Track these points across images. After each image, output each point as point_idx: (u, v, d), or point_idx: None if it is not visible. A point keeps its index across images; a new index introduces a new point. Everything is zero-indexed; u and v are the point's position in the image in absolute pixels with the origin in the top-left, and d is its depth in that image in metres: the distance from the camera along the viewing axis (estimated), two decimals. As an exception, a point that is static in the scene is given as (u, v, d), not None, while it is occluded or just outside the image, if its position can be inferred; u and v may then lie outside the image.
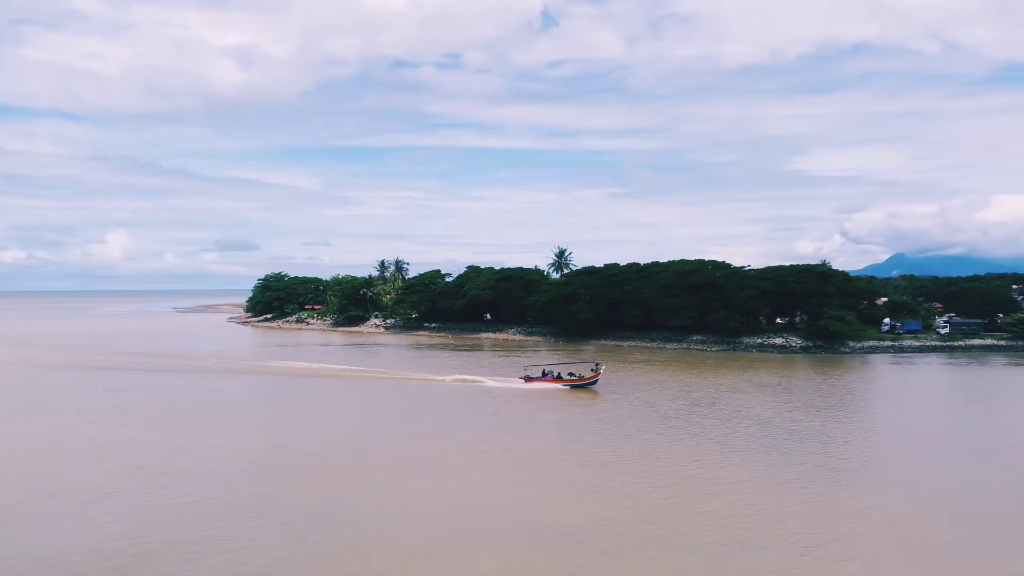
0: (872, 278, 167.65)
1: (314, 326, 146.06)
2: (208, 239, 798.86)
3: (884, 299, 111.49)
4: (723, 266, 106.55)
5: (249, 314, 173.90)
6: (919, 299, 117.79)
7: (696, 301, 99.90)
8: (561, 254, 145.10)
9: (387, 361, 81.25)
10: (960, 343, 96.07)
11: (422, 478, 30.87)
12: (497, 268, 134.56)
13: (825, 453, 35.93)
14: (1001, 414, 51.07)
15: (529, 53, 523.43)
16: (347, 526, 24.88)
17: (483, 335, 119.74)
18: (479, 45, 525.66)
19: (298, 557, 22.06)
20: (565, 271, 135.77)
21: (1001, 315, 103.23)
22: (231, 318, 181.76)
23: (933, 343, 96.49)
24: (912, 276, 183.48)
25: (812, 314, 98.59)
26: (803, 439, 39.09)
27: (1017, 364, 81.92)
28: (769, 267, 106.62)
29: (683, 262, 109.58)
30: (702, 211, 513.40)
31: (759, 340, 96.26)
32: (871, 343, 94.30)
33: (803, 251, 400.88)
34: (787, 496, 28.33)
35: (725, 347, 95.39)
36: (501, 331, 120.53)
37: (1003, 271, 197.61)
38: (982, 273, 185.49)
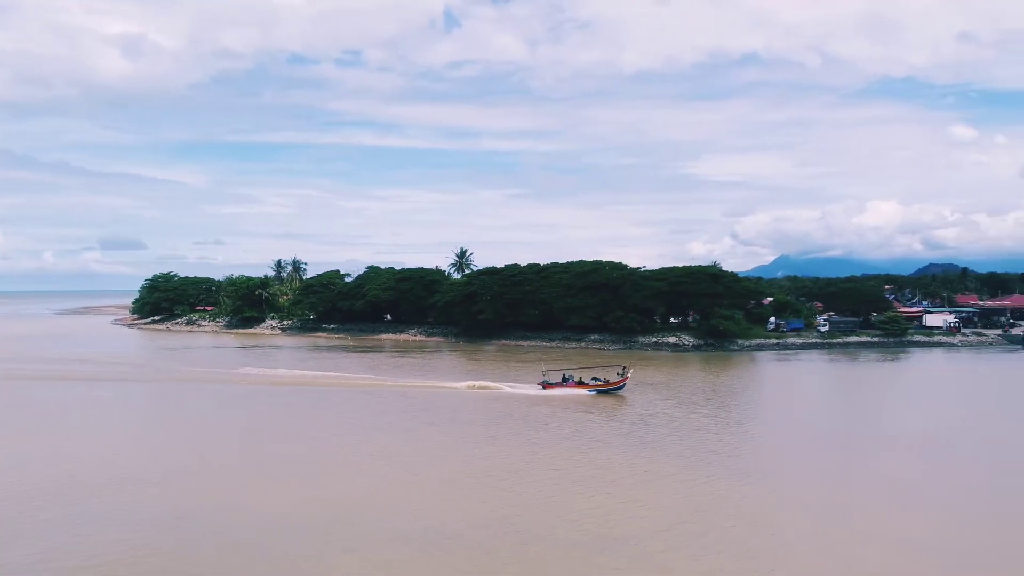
0: (759, 279, 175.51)
1: (206, 328, 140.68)
2: (90, 237, 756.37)
3: (770, 299, 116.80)
4: (620, 267, 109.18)
5: (135, 316, 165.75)
6: (802, 299, 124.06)
7: (594, 301, 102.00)
8: (462, 254, 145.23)
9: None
10: (838, 340, 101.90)
11: (305, 481, 30.14)
12: (398, 268, 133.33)
13: (701, 448, 36.93)
14: (870, 406, 54.40)
15: (431, 53, 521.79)
16: (214, 535, 23.88)
17: (383, 336, 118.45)
18: (380, 43, 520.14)
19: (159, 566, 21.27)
20: (466, 272, 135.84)
21: (875, 313, 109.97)
22: (116, 320, 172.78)
23: (814, 340, 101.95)
24: (795, 277, 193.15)
25: (704, 313, 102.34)
26: (682, 434, 40.17)
27: (887, 359, 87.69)
28: (663, 268, 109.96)
29: (581, 263, 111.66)
30: (600, 213, 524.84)
31: (654, 339, 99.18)
32: (758, 341, 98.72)
33: (696, 253, 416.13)
34: (662, 490, 29.00)
35: (622, 346, 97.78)
36: (402, 332, 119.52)
37: (877, 272, 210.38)
38: (858, 274, 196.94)
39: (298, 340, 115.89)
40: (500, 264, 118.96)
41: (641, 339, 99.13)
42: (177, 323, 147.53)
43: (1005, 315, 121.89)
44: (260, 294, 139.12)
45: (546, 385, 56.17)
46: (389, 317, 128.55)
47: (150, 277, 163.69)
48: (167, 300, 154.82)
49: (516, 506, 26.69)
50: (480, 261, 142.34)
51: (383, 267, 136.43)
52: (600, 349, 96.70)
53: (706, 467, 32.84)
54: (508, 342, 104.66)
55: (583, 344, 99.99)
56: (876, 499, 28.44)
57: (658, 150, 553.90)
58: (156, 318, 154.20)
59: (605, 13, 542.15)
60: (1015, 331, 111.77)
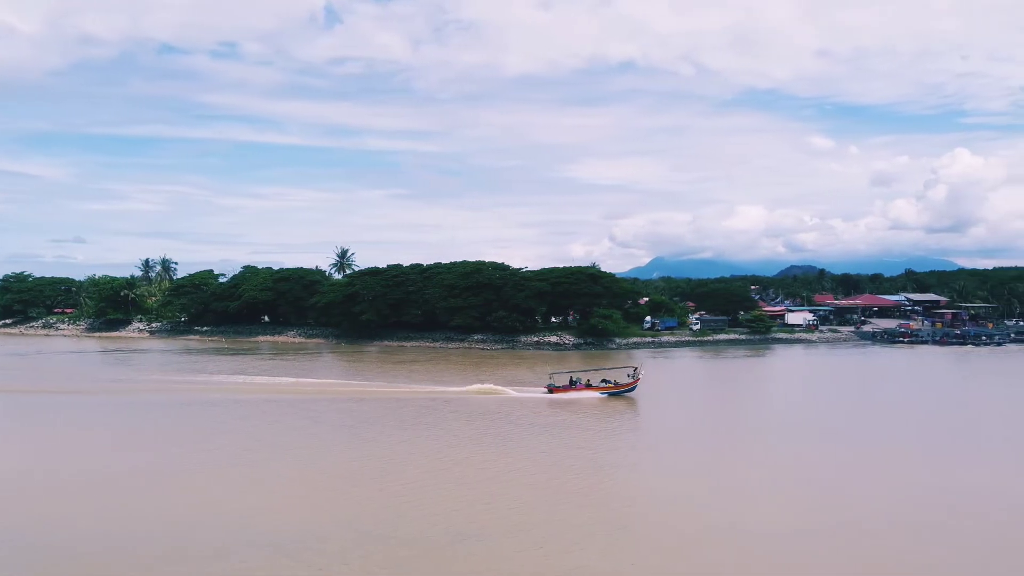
0: (636, 279, 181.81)
1: (65, 331, 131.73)
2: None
3: (646, 299, 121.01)
4: (502, 267, 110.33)
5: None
6: (675, 298, 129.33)
7: (477, 301, 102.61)
8: (343, 254, 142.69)
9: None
10: (709, 338, 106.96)
11: (148, 494, 28.24)
12: (276, 268, 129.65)
13: (570, 444, 37.17)
14: (739, 399, 57.39)
15: (311, 48, 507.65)
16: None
17: (260, 338, 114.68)
18: (257, 36, 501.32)
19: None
20: (347, 272, 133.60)
21: (742, 312, 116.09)
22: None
23: (687, 338, 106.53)
24: (670, 278, 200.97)
25: (584, 313, 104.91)
26: (542, 432, 40.10)
27: (752, 355, 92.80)
28: (545, 268, 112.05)
29: (465, 263, 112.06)
30: (483, 214, 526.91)
31: (535, 338, 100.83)
32: (635, 339, 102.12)
33: (576, 254, 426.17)
34: (514, 489, 28.69)
35: (505, 345, 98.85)
36: (280, 333, 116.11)
37: (744, 274, 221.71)
38: (727, 275, 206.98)
39: (168, 343, 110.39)
40: (382, 264, 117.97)
41: (523, 338, 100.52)
42: (32, 327, 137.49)
43: (857, 313, 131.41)
44: (126, 295, 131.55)
45: (553, 389, 53.78)
46: (267, 319, 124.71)
47: (0, 278, 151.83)
48: (20, 302, 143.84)
49: (370, 507, 25.99)
50: (362, 261, 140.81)
51: (260, 267, 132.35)
52: (483, 349, 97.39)
53: (571, 462, 33.05)
54: (391, 343, 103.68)
55: (466, 344, 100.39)
56: (743, 490, 29.47)
57: (540, 153, 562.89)
58: (8, 321, 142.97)
59: (488, 16, 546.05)
60: (866, 328, 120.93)
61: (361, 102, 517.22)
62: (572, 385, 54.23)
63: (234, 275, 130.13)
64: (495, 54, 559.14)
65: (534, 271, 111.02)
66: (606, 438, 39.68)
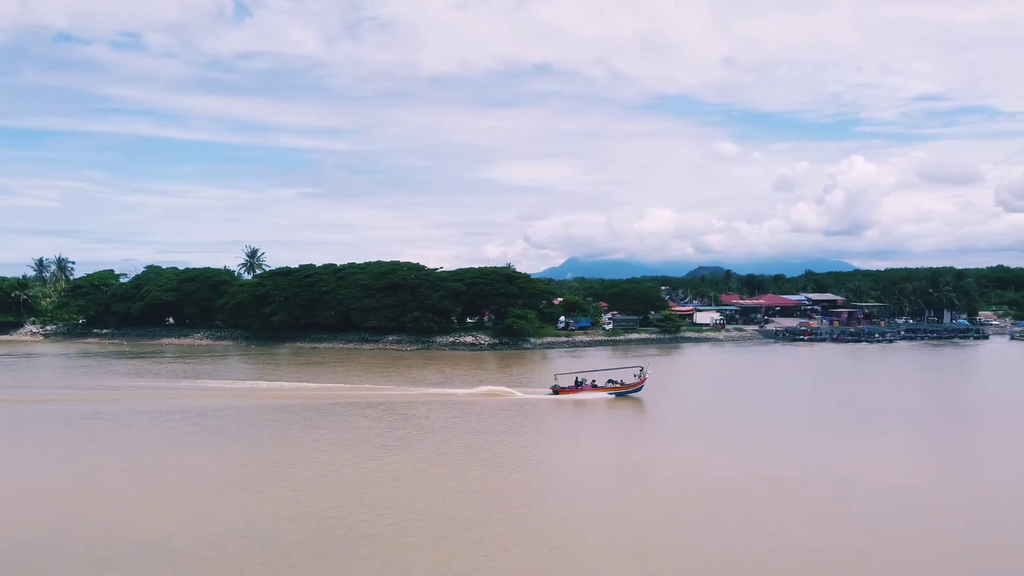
0: (550, 280, 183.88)
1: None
2: None
3: (560, 299, 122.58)
4: (418, 268, 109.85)
5: None
6: (589, 298, 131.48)
7: (392, 302, 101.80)
8: (253, 254, 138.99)
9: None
10: (621, 337, 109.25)
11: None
12: (182, 268, 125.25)
13: (467, 444, 36.67)
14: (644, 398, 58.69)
15: (219, 42, 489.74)
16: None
17: (165, 340, 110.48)
18: (162, 27, 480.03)
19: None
20: (258, 272, 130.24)
21: (653, 312, 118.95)
22: None
23: (600, 338, 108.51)
24: (583, 278, 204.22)
25: (499, 313, 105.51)
26: (431, 432, 39.72)
27: (662, 353, 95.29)
28: (460, 269, 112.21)
29: (379, 263, 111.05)
30: (398, 214, 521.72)
31: (451, 339, 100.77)
32: (549, 339, 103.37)
33: (491, 254, 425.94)
34: (412, 490, 28.20)
35: (420, 346, 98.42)
36: (186, 336, 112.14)
37: (655, 274, 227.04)
38: (639, 276, 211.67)
39: (64, 346, 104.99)
40: (294, 264, 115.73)
41: (439, 339, 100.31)
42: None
43: (761, 312, 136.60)
44: (17, 296, 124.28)
45: (559, 390, 52.76)
46: (171, 320, 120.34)
47: None
48: None
49: (262, 513, 25.33)
50: (273, 261, 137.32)
51: (165, 267, 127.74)
52: (398, 350, 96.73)
53: (470, 462, 32.76)
54: (303, 344, 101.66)
55: (381, 345, 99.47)
56: (631, 484, 30.23)
57: (456, 153, 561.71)
58: None
59: (404, 14, 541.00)
60: (769, 327, 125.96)
61: (272, 98, 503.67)
62: (578, 386, 53.50)
63: (136, 275, 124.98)
64: (411, 53, 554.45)
65: (450, 271, 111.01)
66: (512, 437, 39.77)
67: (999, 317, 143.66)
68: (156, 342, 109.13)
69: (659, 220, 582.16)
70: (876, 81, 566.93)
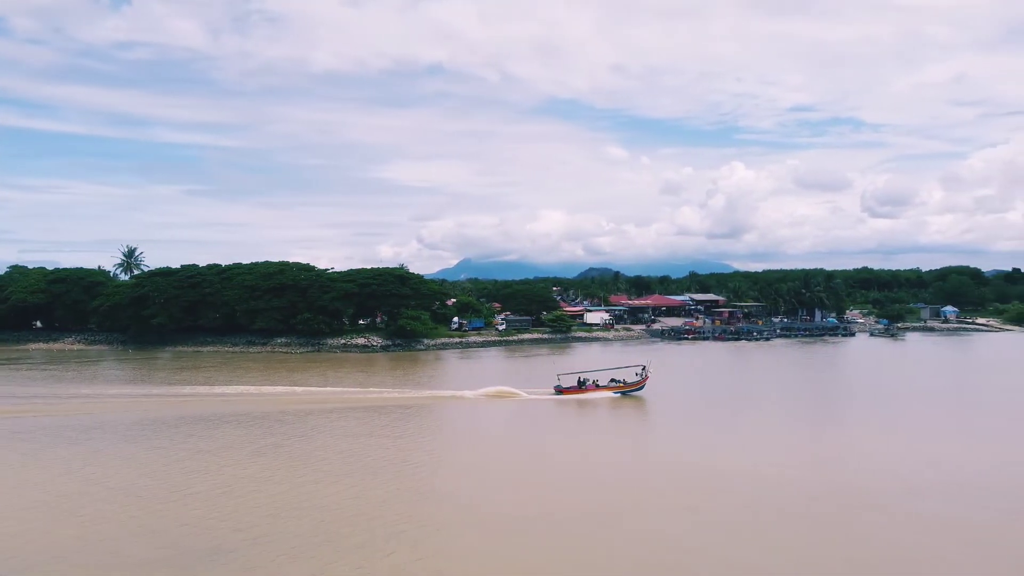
0: (444, 281, 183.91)
1: None
2: None
3: (454, 300, 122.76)
4: (308, 268, 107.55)
5: None
6: (482, 299, 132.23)
7: (281, 303, 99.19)
8: (131, 254, 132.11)
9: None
10: (514, 337, 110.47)
11: None
12: (51, 268, 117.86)
13: (332, 451, 35.84)
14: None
15: (94, 30, 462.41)
16: None
17: (32, 345, 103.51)
18: (30, 11, 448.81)
19: None
20: (136, 272, 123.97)
21: (545, 312, 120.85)
22: None
23: (493, 338, 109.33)
24: (477, 279, 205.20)
25: (392, 314, 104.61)
26: (306, 438, 39.07)
27: (554, 353, 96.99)
28: (352, 270, 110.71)
29: (267, 264, 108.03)
30: (288, 213, 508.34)
31: (342, 340, 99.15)
32: (443, 340, 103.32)
33: (384, 255, 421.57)
34: (266, 498, 27.72)
35: (310, 348, 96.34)
36: (56, 340, 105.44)
37: (546, 275, 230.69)
38: (531, 277, 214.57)
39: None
40: (176, 265, 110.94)
41: (330, 341, 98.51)
42: None
43: (648, 312, 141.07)
44: None
45: (562, 390, 53.20)
46: (39, 324, 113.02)
47: None
48: None
49: (112, 527, 24.48)
50: (154, 261, 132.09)
51: (31, 267, 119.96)
52: (287, 352, 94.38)
53: (331, 468, 32.25)
54: (185, 348, 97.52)
55: (269, 348, 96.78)
56: (514, 485, 30.38)
57: (348, 152, 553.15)
58: None
59: (293, 9, 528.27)
60: (655, 326, 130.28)
61: (153, 91, 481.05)
62: (581, 386, 53.85)
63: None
64: (301, 49, 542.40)
65: (341, 272, 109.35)
66: (393, 441, 39.45)
67: (864, 315, 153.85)
68: (21, 347, 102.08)
69: (551, 222, 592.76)
70: (754, 91, 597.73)
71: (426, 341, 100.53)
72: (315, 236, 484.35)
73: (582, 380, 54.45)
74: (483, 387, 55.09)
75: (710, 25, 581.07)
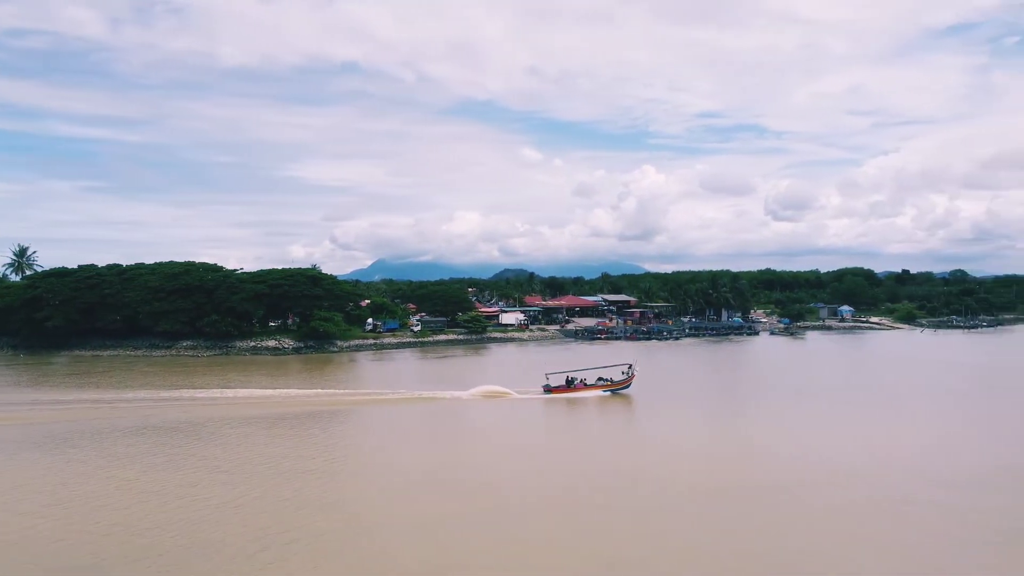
0: (358, 282, 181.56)
1: None
2: None
3: (368, 301, 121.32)
4: (215, 268, 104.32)
5: None
6: (397, 300, 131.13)
7: (187, 305, 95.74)
8: (22, 253, 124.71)
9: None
10: (430, 338, 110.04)
11: None
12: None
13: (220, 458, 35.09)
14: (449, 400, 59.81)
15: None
16: None
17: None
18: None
19: None
20: (28, 273, 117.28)
21: (460, 313, 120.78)
22: None
23: (408, 339, 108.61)
24: (391, 280, 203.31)
25: (304, 316, 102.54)
26: (196, 445, 37.97)
27: (469, 354, 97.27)
28: (263, 270, 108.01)
29: (172, 264, 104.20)
30: (194, 212, 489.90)
31: (252, 343, 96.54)
32: (357, 341, 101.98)
33: (296, 255, 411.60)
34: (151, 511, 26.71)
35: (218, 351, 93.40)
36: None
37: (462, 276, 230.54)
38: (447, 278, 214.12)
39: None
40: (73, 265, 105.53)
41: (239, 343, 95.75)
42: None
43: (562, 313, 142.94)
44: None
45: (552, 389, 53.49)
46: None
47: None
48: None
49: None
50: (48, 261, 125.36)
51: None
52: (193, 356, 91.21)
53: (219, 477, 31.51)
54: (83, 352, 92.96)
55: (174, 351, 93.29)
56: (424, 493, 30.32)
57: (258, 150, 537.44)
58: None
59: (200, 2, 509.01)
60: (569, 326, 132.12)
61: (47, 82, 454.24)
62: (569, 385, 54.24)
63: None
64: (208, 42, 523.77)
65: (251, 272, 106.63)
66: (290, 448, 38.81)
67: (767, 315, 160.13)
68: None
69: (466, 223, 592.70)
70: (664, 97, 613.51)
71: (339, 343, 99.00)
72: (223, 236, 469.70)
73: (570, 379, 54.97)
74: (398, 389, 54.73)
75: (622, 31, 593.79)
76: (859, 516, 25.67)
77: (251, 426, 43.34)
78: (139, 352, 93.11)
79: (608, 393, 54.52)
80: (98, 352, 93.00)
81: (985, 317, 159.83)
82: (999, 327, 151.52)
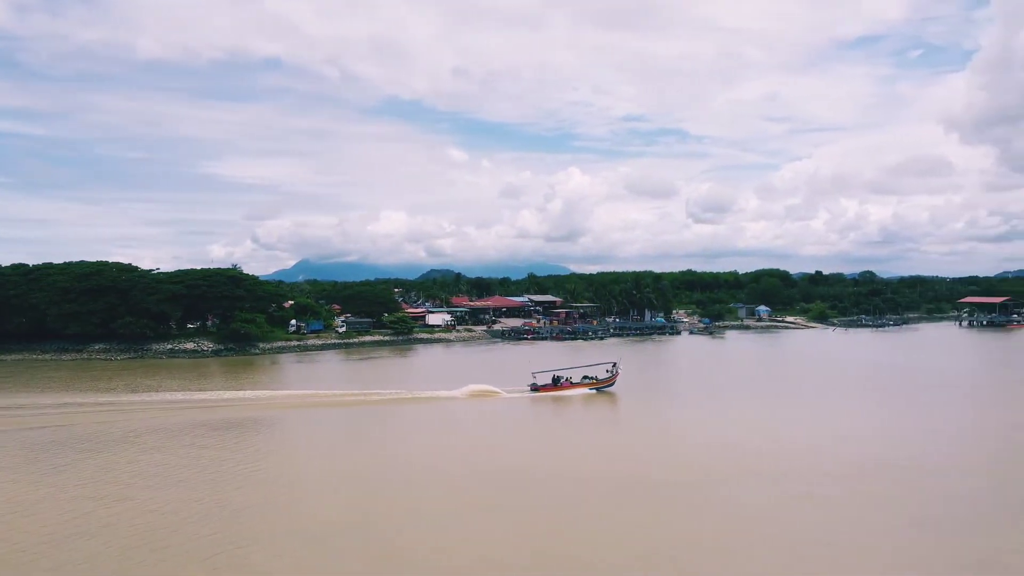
0: (281, 282, 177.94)
1: None
2: None
3: (291, 302, 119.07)
4: (129, 269, 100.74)
5: None
6: (321, 301, 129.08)
7: (99, 307, 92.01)
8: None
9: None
10: (355, 340, 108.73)
11: None
12: None
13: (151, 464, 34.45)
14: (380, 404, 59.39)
15: None
16: None
17: None
18: None
19: None
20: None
21: (386, 314, 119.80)
22: None
23: (333, 341, 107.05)
24: (316, 281, 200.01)
25: (224, 317, 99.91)
26: (99, 453, 36.89)
27: (397, 355, 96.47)
28: (180, 271, 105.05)
29: (82, 264, 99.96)
30: (106, 210, 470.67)
31: (169, 345, 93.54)
32: (280, 343, 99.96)
33: (216, 255, 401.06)
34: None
35: (133, 355, 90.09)
36: None
37: (388, 277, 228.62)
38: (372, 278, 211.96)
39: None
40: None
41: (155, 346, 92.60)
42: None
43: (489, 313, 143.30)
44: None
45: (540, 388, 54.52)
46: None
47: None
48: None
49: None
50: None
51: None
52: (106, 359, 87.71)
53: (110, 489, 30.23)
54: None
55: (84, 355, 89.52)
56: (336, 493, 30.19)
57: (175, 146, 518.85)
58: None
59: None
60: (496, 327, 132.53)
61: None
62: (555, 383, 55.22)
63: None
64: (122, 34, 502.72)
65: (168, 273, 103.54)
66: (205, 452, 38.27)
67: (688, 315, 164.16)
68: None
69: (392, 223, 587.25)
70: (588, 100, 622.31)
71: (262, 345, 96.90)
72: (138, 234, 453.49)
73: (557, 378, 55.99)
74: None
75: (548, 34, 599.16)
76: (757, 508, 26.85)
77: (160, 434, 42.02)
78: (47, 356, 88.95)
79: (594, 391, 55.76)
80: (1, 356, 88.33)
81: (891, 316, 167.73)
82: (904, 326, 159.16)
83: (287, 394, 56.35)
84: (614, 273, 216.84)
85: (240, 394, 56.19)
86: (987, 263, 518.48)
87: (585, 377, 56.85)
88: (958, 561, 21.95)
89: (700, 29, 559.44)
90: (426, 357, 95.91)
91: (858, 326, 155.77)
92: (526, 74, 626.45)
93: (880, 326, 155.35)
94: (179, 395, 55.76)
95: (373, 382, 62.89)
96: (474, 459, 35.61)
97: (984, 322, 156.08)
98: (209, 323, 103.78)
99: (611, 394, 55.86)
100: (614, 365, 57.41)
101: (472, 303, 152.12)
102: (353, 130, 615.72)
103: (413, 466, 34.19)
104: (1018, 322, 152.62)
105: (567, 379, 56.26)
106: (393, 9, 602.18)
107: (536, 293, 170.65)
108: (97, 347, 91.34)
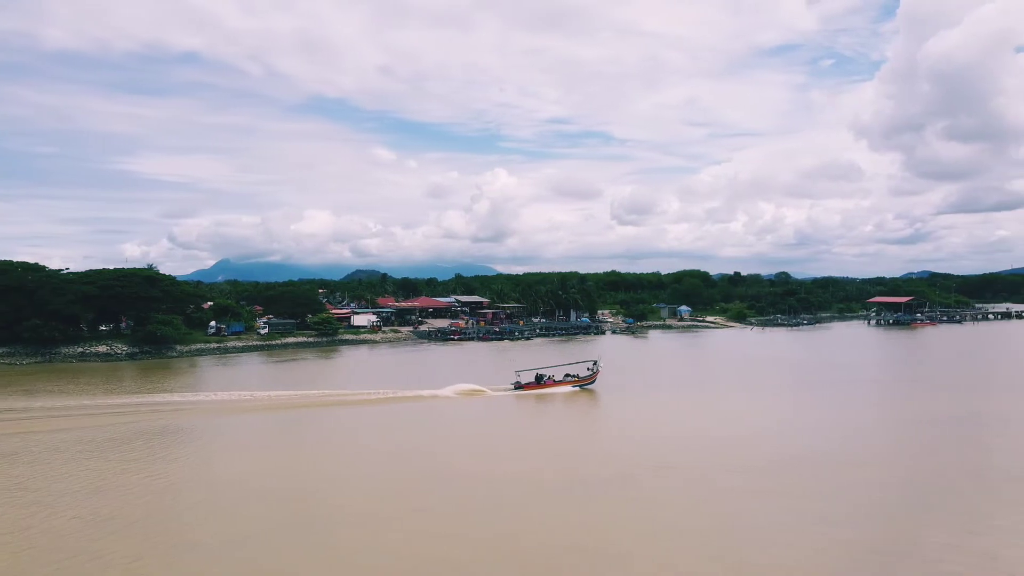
0: (199, 283, 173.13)
1: None
2: None
3: (211, 303, 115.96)
4: (36, 268, 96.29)
5: None
6: (242, 302, 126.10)
7: (2, 308, 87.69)
8: None
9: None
10: (278, 341, 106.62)
11: None
12: None
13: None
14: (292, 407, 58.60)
15: None
16: None
17: None
18: None
19: None
20: None
21: (310, 315, 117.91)
22: None
23: (255, 343, 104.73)
24: (237, 281, 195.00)
25: (139, 319, 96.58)
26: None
27: (321, 357, 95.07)
28: (92, 271, 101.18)
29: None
30: (11, 207, 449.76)
31: (80, 349, 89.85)
32: (198, 346, 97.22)
33: (130, 255, 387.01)
34: None
35: (40, 359, 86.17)
36: None
37: (312, 277, 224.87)
38: (296, 279, 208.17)
39: None
40: None
41: (64, 350, 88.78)
42: None
43: (416, 314, 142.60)
44: None
45: (525, 386, 55.43)
46: None
47: None
48: None
49: None
50: None
51: None
52: (11, 364, 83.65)
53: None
54: None
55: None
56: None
57: (86, 141, 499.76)
58: None
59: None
60: (423, 327, 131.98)
61: None
62: (539, 382, 56.20)
63: None
64: (30, 23, 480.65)
65: (79, 273, 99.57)
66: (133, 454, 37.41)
67: (613, 315, 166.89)
68: None
69: (316, 222, 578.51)
70: (515, 102, 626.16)
71: (179, 347, 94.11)
72: (48, 232, 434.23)
73: (540, 376, 57.08)
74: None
75: (475, 35, 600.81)
76: (671, 503, 27.89)
77: (61, 440, 40.53)
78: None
79: (577, 388, 57.00)
80: None
81: (805, 316, 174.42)
82: (817, 324, 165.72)
83: (204, 398, 55.00)
84: (540, 274, 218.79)
85: (153, 398, 54.54)
86: (893, 264, 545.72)
87: (567, 375, 58.36)
88: (872, 547, 23.16)
89: (624, 33, 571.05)
90: (350, 358, 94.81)
91: (774, 325, 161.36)
92: (454, 74, 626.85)
93: (795, 325, 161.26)
94: (85, 400, 53.68)
95: (293, 384, 61.98)
96: (419, 462, 35.58)
97: (891, 321, 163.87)
98: (123, 325, 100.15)
99: (591, 391, 56.81)
100: (595, 363, 58.85)
101: (398, 304, 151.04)
102: (276, 128, 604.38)
103: (337, 472, 33.98)
104: (921, 320, 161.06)
105: (550, 377, 57.62)
106: (318, 5, 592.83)
107: (463, 294, 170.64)
108: (1, 351, 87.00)
